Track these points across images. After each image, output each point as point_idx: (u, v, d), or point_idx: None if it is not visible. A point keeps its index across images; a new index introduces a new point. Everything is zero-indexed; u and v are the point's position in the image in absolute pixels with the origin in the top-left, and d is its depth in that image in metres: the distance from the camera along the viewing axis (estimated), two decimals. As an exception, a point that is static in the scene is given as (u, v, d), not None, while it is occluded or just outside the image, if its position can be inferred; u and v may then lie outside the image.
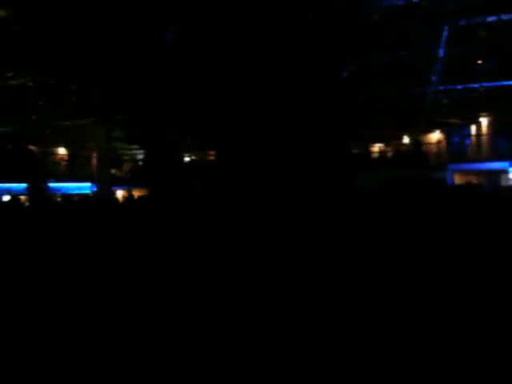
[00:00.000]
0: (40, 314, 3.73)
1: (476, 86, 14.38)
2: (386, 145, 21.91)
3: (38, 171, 13.59)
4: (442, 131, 18.88)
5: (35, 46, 10.17)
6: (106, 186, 15.82)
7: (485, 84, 14.18)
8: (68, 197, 13.21)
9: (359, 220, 6.63)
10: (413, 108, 14.62)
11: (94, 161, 17.30)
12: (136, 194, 15.74)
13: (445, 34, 11.63)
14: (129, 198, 15.07)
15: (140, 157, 18.62)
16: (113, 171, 17.80)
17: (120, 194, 16.77)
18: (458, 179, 16.00)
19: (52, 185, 13.83)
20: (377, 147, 21.93)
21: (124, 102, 12.36)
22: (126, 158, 19.50)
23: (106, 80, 11.09)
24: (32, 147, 15.94)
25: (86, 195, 14.89)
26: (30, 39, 10.07)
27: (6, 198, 11.21)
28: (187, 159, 18.88)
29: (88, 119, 14.44)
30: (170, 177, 15.21)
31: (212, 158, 17.88)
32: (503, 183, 15.41)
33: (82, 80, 12.09)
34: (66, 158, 17.51)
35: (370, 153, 20.92)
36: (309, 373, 2.84)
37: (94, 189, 15.88)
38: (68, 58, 10.42)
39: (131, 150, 18.76)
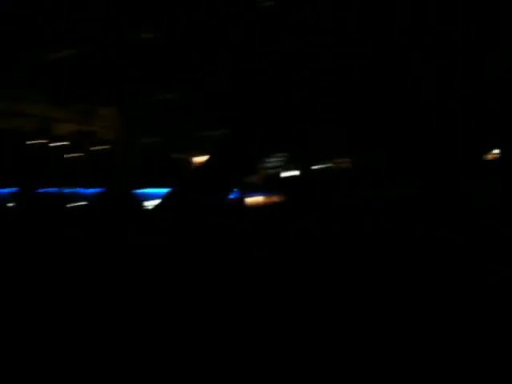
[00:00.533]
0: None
1: None
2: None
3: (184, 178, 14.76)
4: None
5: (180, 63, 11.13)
6: (243, 192, 16.54)
7: None
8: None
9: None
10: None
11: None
12: (271, 200, 16.24)
13: None
14: (266, 204, 15.64)
15: (275, 164, 19.13)
16: (250, 178, 18.53)
17: (256, 199, 17.37)
18: None
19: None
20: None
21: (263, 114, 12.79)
22: (263, 165, 20.14)
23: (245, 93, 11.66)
24: (180, 156, 17.36)
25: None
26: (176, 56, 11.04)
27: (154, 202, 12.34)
28: (324, 166, 18.82)
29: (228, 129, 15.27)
30: (305, 184, 15.37)
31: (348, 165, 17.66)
32: None
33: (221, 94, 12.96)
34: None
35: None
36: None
37: (233, 194, 16.69)
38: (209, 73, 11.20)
39: (268, 157, 19.35)
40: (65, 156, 14.73)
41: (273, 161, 19.28)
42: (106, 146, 15.26)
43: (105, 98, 14.18)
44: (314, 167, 17.73)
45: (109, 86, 13.55)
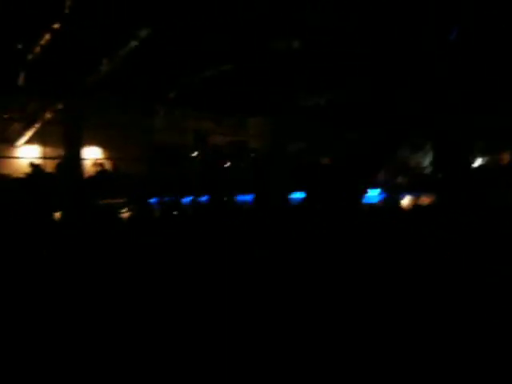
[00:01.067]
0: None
1: None
2: None
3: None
4: None
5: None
6: (392, 194, 16.14)
7: None
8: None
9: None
10: None
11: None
12: (422, 201, 15.54)
13: None
14: (415, 205, 15.07)
15: (425, 163, 18.32)
16: (399, 179, 18.01)
17: (405, 201, 16.80)
18: None
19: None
20: None
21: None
22: (412, 164, 19.45)
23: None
24: (325, 160, 17.59)
25: (373, 203, 15.52)
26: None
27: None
28: (480, 163, 17.51)
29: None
30: (461, 183, 14.47)
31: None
32: None
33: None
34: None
35: None
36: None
37: (381, 196, 16.36)
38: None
39: (417, 156, 18.69)
40: (219, 165, 15.86)
41: (422, 160, 18.51)
42: (255, 154, 16.14)
43: (254, 110, 15.04)
44: (466, 164, 16.58)
45: (257, 98, 14.33)
